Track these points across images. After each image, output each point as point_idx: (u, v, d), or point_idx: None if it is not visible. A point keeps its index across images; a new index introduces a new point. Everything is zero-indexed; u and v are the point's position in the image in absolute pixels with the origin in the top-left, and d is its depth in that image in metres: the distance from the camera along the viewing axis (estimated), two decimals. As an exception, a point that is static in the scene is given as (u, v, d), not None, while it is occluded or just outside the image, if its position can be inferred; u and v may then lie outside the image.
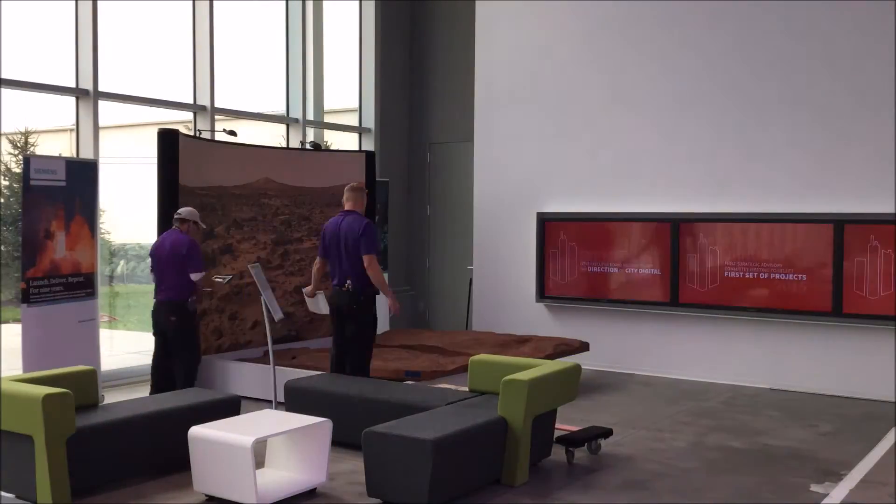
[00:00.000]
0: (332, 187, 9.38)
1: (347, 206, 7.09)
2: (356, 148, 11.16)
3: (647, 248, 8.96)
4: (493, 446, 5.12)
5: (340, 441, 5.50)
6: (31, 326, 6.66)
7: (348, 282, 6.80)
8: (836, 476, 5.45)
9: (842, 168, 8.05)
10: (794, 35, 8.28)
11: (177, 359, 6.80)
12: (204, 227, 7.30)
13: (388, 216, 10.68)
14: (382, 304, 7.19)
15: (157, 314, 6.87)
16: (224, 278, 7.33)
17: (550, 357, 7.69)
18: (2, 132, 8.05)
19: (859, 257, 7.83)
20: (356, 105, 11.29)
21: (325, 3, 10.66)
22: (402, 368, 7.28)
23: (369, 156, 9.79)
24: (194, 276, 6.77)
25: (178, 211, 7.08)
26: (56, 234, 6.83)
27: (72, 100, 8.06)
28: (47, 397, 4.60)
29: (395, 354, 7.81)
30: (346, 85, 11.27)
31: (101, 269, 8.19)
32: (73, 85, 8.03)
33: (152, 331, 6.94)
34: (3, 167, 8.36)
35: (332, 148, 10.87)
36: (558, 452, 5.74)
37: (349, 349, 6.88)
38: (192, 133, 8.63)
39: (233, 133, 8.55)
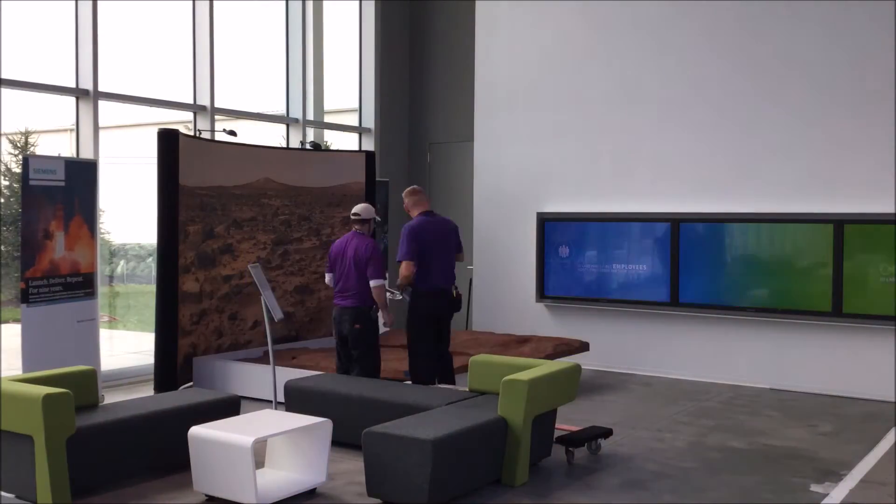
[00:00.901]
0: (332, 187, 9.40)
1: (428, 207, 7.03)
2: (356, 148, 11.16)
3: (646, 248, 8.96)
4: (493, 446, 5.12)
5: (340, 441, 5.51)
6: (31, 326, 6.66)
7: (455, 287, 6.86)
8: (836, 476, 5.45)
9: (842, 168, 8.04)
10: (794, 35, 8.28)
11: (355, 364, 6.73)
12: (378, 219, 7.04)
13: (388, 216, 10.68)
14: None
15: (339, 321, 6.73)
16: (394, 293, 7.07)
17: (550, 357, 7.69)
18: (2, 132, 8.05)
19: (859, 257, 7.83)
20: (356, 105, 11.29)
21: (325, 3, 10.66)
22: (401, 369, 7.28)
23: (369, 156, 9.79)
24: (373, 283, 6.63)
25: (356, 211, 6.88)
26: (55, 234, 6.83)
27: (72, 100, 8.06)
28: (47, 397, 4.60)
29: (395, 354, 7.81)
30: (346, 85, 11.27)
31: (101, 269, 8.19)
32: (73, 85, 8.03)
33: (335, 336, 6.84)
34: (3, 167, 8.36)
35: (332, 148, 10.87)
36: (558, 452, 5.74)
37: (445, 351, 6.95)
38: (192, 133, 8.63)
39: (233, 133, 8.56)
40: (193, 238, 7.99)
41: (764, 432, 6.56)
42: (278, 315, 6.77)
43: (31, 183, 6.66)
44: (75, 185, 6.99)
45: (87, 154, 7.92)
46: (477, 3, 10.23)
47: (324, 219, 9.32)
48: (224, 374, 7.71)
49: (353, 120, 11.34)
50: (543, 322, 9.60)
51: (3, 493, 4.88)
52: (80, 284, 7.08)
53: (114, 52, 8.29)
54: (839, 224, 7.91)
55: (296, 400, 6.17)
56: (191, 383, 7.73)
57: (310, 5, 10.38)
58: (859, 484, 5.30)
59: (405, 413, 5.40)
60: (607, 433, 5.94)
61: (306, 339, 9.06)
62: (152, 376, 7.64)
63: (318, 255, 9.28)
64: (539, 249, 9.57)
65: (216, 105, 9.12)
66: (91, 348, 7.16)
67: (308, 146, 9.65)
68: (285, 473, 5.13)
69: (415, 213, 6.99)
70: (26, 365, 6.51)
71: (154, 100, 8.77)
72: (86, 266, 7.13)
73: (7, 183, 8.46)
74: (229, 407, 5.69)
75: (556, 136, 9.60)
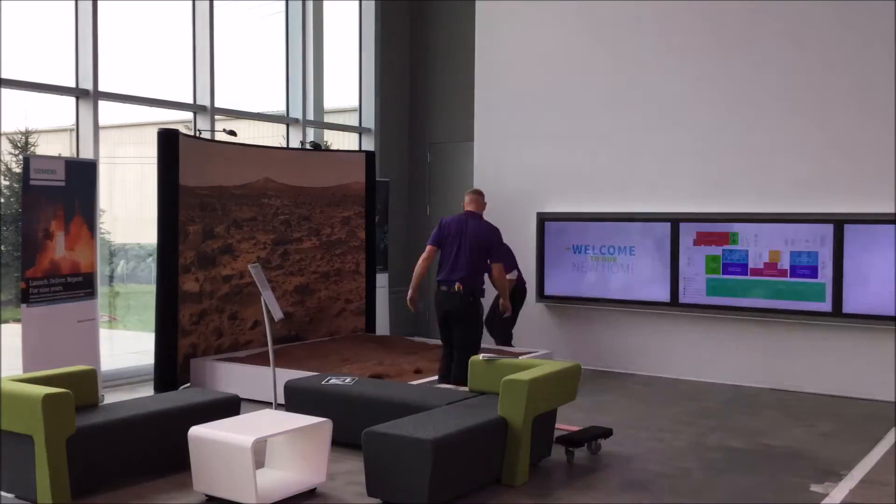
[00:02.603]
0: (332, 187, 9.40)
1: (470, 208, 7.19)
2: (356, 148, 11.17)
3: (646, 247, 8.95)
4: (493, 446, 5.12)
5: (340, 441, 5.51)
6: (31, 326, 6.66)
7: (458, 285, 6.86)
8: (836, 476, 5.45)
9: (842, 168, 8.05)
10: (793, 35, 8.28)
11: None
12: None
13: (388, 216, 10.69)
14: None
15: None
16: None
17: None
18: (2, 132, 8.05)
19: (859, 257, 7.83)
20: (356, 105, 11.30)
21: (325, 3, 10.66)
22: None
23: (369, 156, 9.80)
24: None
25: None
26: (55, 234, 6.83)
27: (72, 100, 8.06)
28: (47, 397, 4.60)
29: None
30: (346, 85, 11.27)
31: (101, 269, 8.19)
32: (73, 85, 8.03)
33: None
34: (3, 167, 8.36)
35: (332, 148, 10.87)
36: (558, 452, 5.74)
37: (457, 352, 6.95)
38: (192, 133, 8.64)
39: (233, 133, 8.56)
40: (193, 238, 7.99)
41: (764, 432, 6.56)
42: (278, 315, 6.77)
43: (32, 183, 6.66)
44: (75, 185, 6.99)
45: (87, 154, 7.92)
46: (477, 3, 10.23)
47: (324, 219, 9.33)
48: (224, 374, 7.71)
49: (353, 120, 11.34)
50: (543, 322, 9.60)
51: (3, 493, 4.88)
52: (81, 284, 7.08)
53: (114, 52, 8.29)
54: (839, 224, 7.91)
55: (296, 400, 6.17)
56: (188, 384, 7.73)
57: (310, 5, 10.37)
58: (859, 484, 5.30)
59: (405, 413, 5.40)
60: (607, 433, 5.94)
61: (306, 339, 9.06)
62: (152, 376, 7.64)
63: (317, 255, 9.29)
64: (539, 249, 9.57)
65: (216, 105, 9.12)
66: (91, 348, 7.16)
67: (308, 146, 9.65)
68: (285, 473, 5.13)
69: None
70: (26, 365, 6.52)
71: (154, 100, 8.76)
72: (86, 266, 7.14)
73: (7, 183, 8.46)
74: (229, 407, 5.69)
75: (557, 136, 9.60)
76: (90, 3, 7.91)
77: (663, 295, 8.82)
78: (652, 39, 9.04)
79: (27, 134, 8.49)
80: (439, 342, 7.27)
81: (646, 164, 9.06)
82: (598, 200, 9.30)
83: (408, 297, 7.19)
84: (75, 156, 7.99)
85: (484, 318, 7.22)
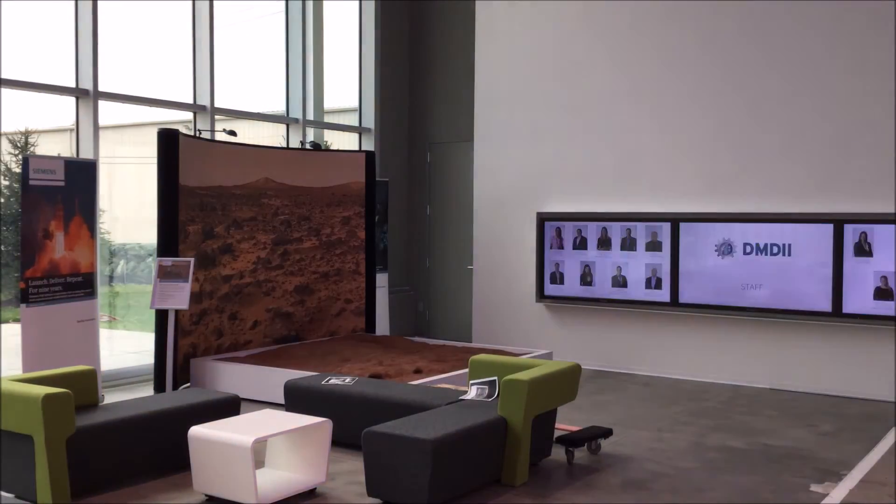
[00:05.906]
0: (332, 187, 9.40)
1: None
2: (356, 148, 11.16)
3: (646, 248, 8.95)
4: (493, 446, 5.12)
5: (340, 441, 5.51)
6: (31, 326, 6.66)
7: None
8: (836, 476, 5.45)
9: (842, 168, 8.05)
10: (794, 34, 8.28)
11: None
12: None
13: (388, 216, 10.68)
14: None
15: None
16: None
17: None
18: (2, 132, 8.04)
19: (859, 257, 7.83)
20: (356, 105, 11.30)
21: (325, 3, 10.66)
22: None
23: (369, 156, 9.79)
24: None
25: None
26: (55, 234, 6.83)
27: (72, 100, 8.06)
28: (47, 397, 4.60)
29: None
30: (346, 85, 11.27)
31: (101, 269, 8.19)
32: (73, 85, 8.03)
33: None
34: (3, 167, 8.36)
35: (332, 148, 10.87)
36: (558, 452, 5.74)
37: None
38: (192, 133, 8.63)
39: (233, 133, 8.56)
40: (193, 238, 7.99)
41: (764, 432, 6.56)
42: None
43: (31, 183, 6.66)
44: (75, 185, 6.99)
45: (86, 154, 7.92)
46: (477, 3, 10.23)
47: (324, 219, 9.33)
48: (223, 375, 7.71)
49: (353, 120, 11.34)
50: (543, 322, 9.60)
51: (3, 493, 4.89)
52: (80, 284, 7.08)
53: (114, 52, 8.29)
54: (839, 224, 7.91)
55: (296, 400, 6.17)
56: (188, 384, 7.73)
57: (310, 5, 10.38)
58: (859, 484, 5.30)
59: (405, 413, 5.40)
60: (607, 433, 5.94)
61: (306, 339, 9.06)
62: (152, 376, 7.65)
63: (317, 255, 9.29)
64: (539, 249, 9.57)
65: (216, 105, 9.12)
66: (91, 348, 7.16)
67: (308, 146, 9.65)
68: (285, 473, 5.13)
69: None
70: (26, 365, 6.51)
71: (154, 100, 8.77)
72: (86, 266, 7.14)
73: (7, 183, 8.46)
74: (229, 407, 5.70)
75: (556, 136, 9.60)
76: (90, 3, 7.91)
77: (663, 295, 8.82)
78: (652, 39, 9.04)
79: (27, 134, 8.49)
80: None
81: (646, 163, 9.06)
82: (598, 200, 9.31)
83: None
84: (75, 156, 7.99)
85: None
